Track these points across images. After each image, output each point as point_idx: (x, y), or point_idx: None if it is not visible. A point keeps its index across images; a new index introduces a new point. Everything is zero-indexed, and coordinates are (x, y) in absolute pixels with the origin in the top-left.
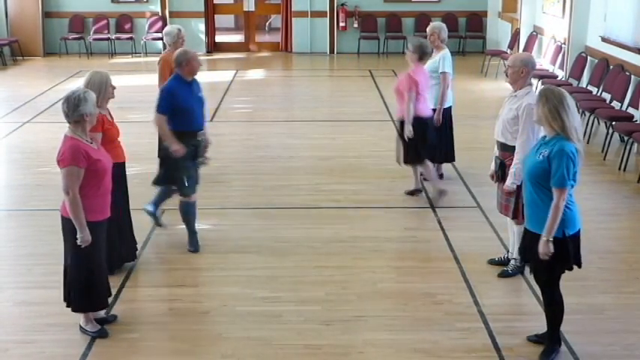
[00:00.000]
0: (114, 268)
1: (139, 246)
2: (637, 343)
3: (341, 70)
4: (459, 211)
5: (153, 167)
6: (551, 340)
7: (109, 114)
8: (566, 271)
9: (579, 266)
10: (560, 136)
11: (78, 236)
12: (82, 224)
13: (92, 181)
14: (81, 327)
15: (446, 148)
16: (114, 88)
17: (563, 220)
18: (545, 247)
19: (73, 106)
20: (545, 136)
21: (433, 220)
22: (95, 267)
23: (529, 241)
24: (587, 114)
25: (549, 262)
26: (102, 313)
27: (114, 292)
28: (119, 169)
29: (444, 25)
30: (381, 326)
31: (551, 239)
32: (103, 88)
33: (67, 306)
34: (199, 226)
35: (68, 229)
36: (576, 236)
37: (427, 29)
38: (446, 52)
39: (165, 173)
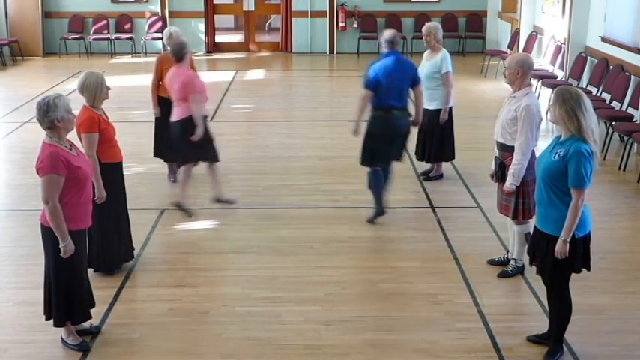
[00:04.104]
0: (114, 268)
1: (139, 246)
2: (636, 343)
3: (341, 70)
4: (459, 211)
5: (152, 167)
6: (556, 340)
7: (104, 114)
8: (573, 273)
9: (588, 269)
10: (575, 137)
11: (60, 246)
12: (64, 234)
13: (73, 189)
14: (62, 339)
15: (446, 146)
16: (109, 88)
17: None
18: (562, 247)
19: (42, 113)
20: (559, 136)
21: (433, 220)
22: (76, 277)
23: (538, 240)
24: None
25: (556, 262)
26: (85, 324)
27: (114, 292)
28: (116, 169)
29: (439, 25)
30: (381, 326)
31: (576, 240)
32: (98, 89)
33: (47, 319)
34: (199, 226)
35: (48, 238)
36: (586, 238)
37: (423, 30)
38: (445, 52)
39: None
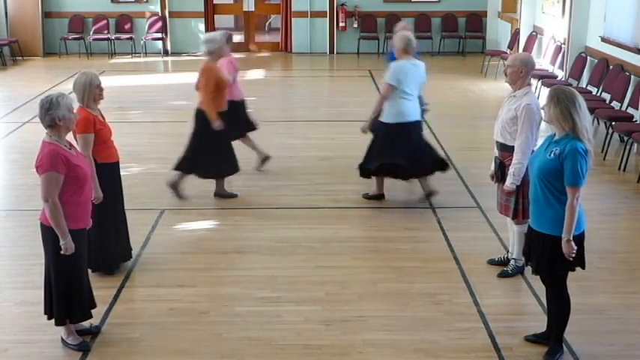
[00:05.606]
0: (113, 268)
1: (139, 246)
2: (637, 343)
3: (341, 70)
4: (459, 211)
5: (152, 167)
6: (555, 340)
7: (100, 114)
8: (569, 272)
9: (583, 267)
10: (570, 136)
11: (61, 243)
12: (63, 231)
13: (72, 187)
14: (62, 339)
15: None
16: (101, 89)
17: None
18: (567, 248)
19: (44, 111)
20: (553, 134)
21: (433, 220)
22: (76, 276)
23: (533, 240)
24: None
25: (552, 262)
26: (85, 324)
27: (113, 292)
28: (113, 169)
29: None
30: (381, 326)
31: (572, 238)
32: (87, 89)
33: (49, 319)
34: (199, 226)
35: (48, 237)
36: (581, 237)
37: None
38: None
39: None
